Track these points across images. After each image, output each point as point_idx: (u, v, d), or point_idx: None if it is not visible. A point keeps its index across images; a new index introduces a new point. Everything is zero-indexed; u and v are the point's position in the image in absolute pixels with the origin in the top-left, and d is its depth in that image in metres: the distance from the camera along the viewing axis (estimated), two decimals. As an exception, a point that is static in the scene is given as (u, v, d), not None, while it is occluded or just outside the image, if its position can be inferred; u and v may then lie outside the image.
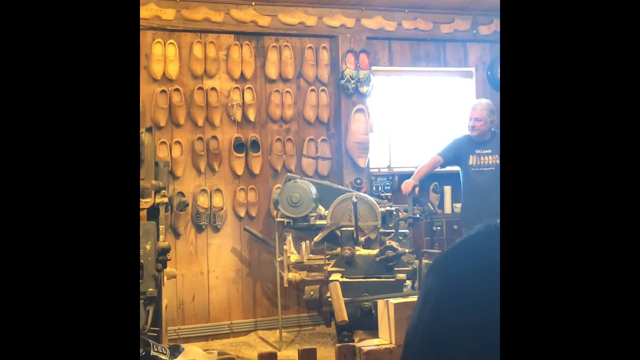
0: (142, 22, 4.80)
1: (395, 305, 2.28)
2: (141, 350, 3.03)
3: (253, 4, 5.05)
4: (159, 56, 4.87)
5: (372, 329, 3.27)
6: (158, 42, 4.87)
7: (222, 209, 5.00)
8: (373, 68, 5.33)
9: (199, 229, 4.99)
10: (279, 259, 4.63)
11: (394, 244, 3.86)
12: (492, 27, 5.72)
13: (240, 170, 5.03)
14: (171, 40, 4.90)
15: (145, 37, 4.87)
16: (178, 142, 4.92)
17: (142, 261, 3.27)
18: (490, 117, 4.73)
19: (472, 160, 4.74)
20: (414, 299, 2.42)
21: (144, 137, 3.73)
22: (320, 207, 4.49)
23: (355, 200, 4.10)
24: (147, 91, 4.86)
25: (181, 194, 4.92)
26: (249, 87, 5.08)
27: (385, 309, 2.33)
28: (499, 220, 0.85)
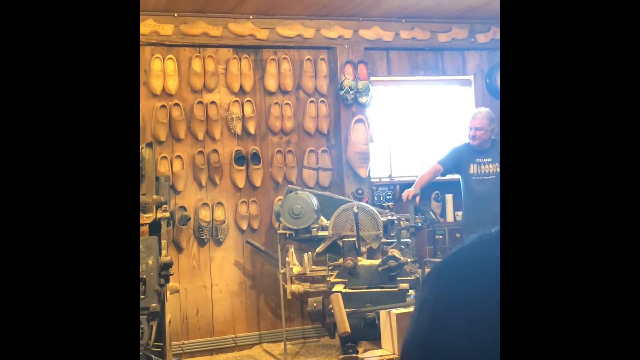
0: (140, 38, 4.83)
1: (398, 315, 2.28)
2: (145, 365, 3.02)
3: (251, 17, 5.07)
4: (158, 71, 4.89)
5: (375, 340, 3.26)
6: (157, 57, 4.89)
7: (224, 222, 5.00)
8: (372, 78, 5.34)
9: (202, 242, 4.99)
10: (281, 271, 4.63)
11: (396, 253, 3.86)
12: (489, 35, 5.74)
13: (241, 183, 5.04)
14: (170, 56, 4.93)
15: (144, 52, 4.89)
16: (179, 157, 4.94)
17: (144, 276, 3.27)
18: (491, 125, 4.73)
19: (472, 168, 4.73)
20: (416, 308, 2.42)
21: (145, 152, 3.74)
22: (322, 218, 4.50)
23: (356, 210, 4.11)
24: (147, 106, 4.88)
25: (183, 208, 4.93)
26: (248, 100, 5.10)
27: (388, 320, 2.33)
28: (494, 230, 0.85)
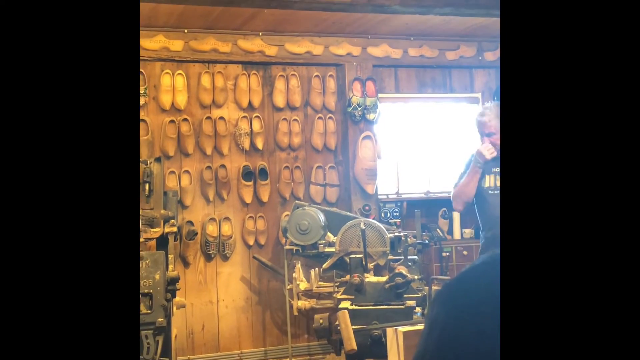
0: (150, 54, 4.87)
1: (405, 333, 2.27)
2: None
3: (260, 34, 5.11)
4: (168, 87, 4.92)
5: (382, 357, 3.24)
6: (167, 72, 4.93)
7: (231, 237, 5.00)
8: (380, 95, 5.36)
9: (208, 257, 4.99)
10: (288, 287, 4.62)
11: (403, 270, 3.85)
12: (497, 53, 5.75)
13: (248, 199, 5.05)
14: (179, 71, 4.96)
15: (154, 68, 4.93)
16: (187, 172, 4.95)
17: (151, 291, 3.27)
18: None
19: (488, 181, 3.99)
20: (422, 326, 2.41)
21: (153, 167, 3.76)
22: (329, 234, 4.49)
23: (363, 226, 4.10)
24: (156, 121, 4.91)
25: (190, 223, 4.94)
26: (256, 116, 5.12)
27: (395, 337, 2.32)
28: (503, 249, 0.85)
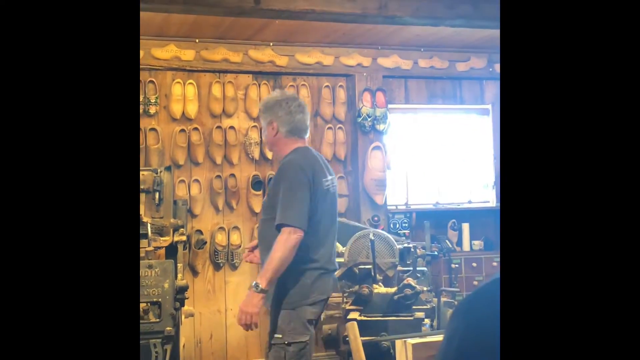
0: (162, 63, 4.90)
1: (414, 345, 2.27)
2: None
3: (271, 44, 5.13)
4: (179, 96, 4.94)
5: (390, 369, 3.22)
6: (178, 82, 4.95)
7: (240, 246, 5.01)
8: (389, 106, 5.37)
9: (217, 266, 5.00)
10: (296, 297, 4.60)
11: (412, 281, 3.83)
12: (507, 65, 5.74)
13: (258, 208, 5.05)
14: (190, 81, 4.98)
15: (165, 77, 4.96)
16: (196, 181, 4.97)
17: (160, 299, 3.28)
18: None
19: None
20: (432, 339, 2.40)
21: (163, 175, 3.77)
22: (337, 244, 4.48)
23: (372, 237, 4.09)
24: (167, 130, 4.93)
25: (199, 232, 4.95)
26: (266, 126, 5.13)
27: (404, 349, 2.31)
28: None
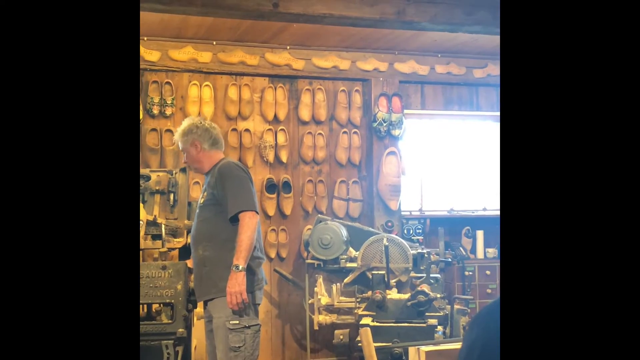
0: (179, 65, 4.92)
1: (427, 353, 2.25)
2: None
3: (288, 47, 5.13)
4: (195, 98, 4.96)
5: (402, 376, 3.20)
6: (194, 84, 4.97)
7: (253, 249, 5.00)
8: (405, 111, 5.35)
9: (230, 269, 4.99)
10: (309, 302, 4.59)
11: (426, 288, 3.81)
12: (525, 72, 5.72)
13: (271, 211, 5.05)
14: (207, 83, 5.00)
15: (182, 79, 4.98)
16: (211, 182, 4.97)
17: (172, 301, 3.28)
18: None
19: None
20: (445, 346, 2.38)
21: (178, 177, 3.78)
22: (350, 249, 4.47)
23: (386, 242, 4.08)
24: (182, 132, 4.93)
25: (213, 233, 4.94)
26: (282, 129, 5.14)
27: (417, 357, 2.29)
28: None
